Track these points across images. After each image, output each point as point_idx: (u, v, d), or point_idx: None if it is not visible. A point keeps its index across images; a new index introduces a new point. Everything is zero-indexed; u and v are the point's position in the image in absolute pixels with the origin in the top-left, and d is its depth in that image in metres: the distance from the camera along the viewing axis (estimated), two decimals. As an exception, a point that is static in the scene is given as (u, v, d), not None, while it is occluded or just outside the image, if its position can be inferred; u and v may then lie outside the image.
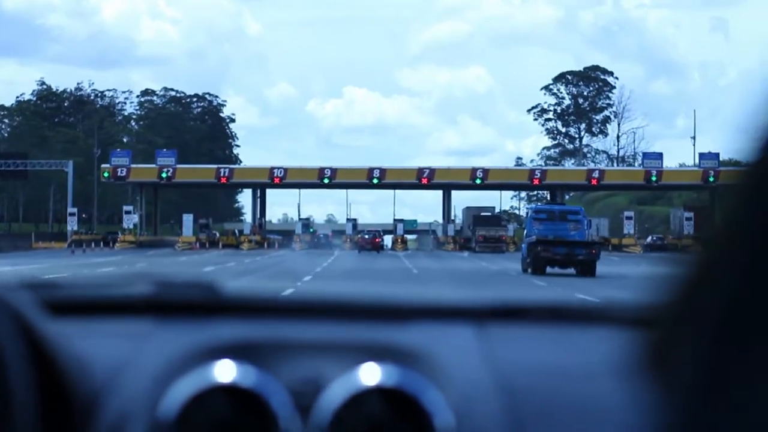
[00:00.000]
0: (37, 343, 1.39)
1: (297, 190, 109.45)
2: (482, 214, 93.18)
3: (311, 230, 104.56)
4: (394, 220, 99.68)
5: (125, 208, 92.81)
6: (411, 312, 1.93)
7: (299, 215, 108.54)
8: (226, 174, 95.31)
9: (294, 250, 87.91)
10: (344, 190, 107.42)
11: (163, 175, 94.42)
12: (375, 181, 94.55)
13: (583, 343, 1.89)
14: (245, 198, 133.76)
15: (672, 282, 0.94)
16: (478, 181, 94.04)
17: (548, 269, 40.30)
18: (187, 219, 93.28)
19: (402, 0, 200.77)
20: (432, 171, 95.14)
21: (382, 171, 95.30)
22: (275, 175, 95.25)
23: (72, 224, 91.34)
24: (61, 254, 66.44)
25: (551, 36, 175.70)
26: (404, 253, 79.55)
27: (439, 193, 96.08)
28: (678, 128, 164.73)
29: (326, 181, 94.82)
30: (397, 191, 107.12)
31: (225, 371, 1.69)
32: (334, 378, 1.70)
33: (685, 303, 0.92)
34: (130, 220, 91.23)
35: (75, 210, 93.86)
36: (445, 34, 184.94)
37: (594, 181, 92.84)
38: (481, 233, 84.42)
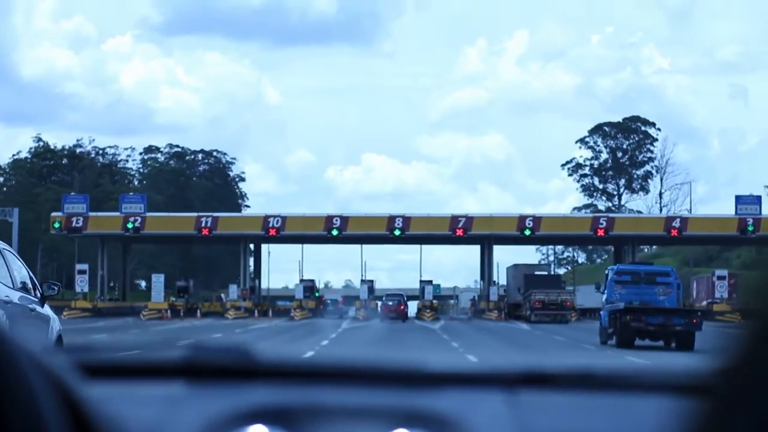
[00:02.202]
0: (74, 406, 1.42)
1: (300, 245, 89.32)
2: (537, 273, 73.37)
3: (316, 294, 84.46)
4: (421, 281, 79.69)
5: (78, 266, 73.16)
6: (442, 378, 1.94)
7: (300, 277, 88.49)
8: (209, 224, 75.69)
9: (291, 320, 68.30)
10: (358, 246, 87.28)
11: (129, 225, 75.12)
12: (397, 232, 74.82)
13: (620, 412, 1.86)
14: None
15: (729, 351, 0.90)
16: (527, 233, 74.35)
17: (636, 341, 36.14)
18: (157, 280, 74.13)
19: (420, 68, 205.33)
20: (469, 220, 75.75)
21: (406, 220, 75.84)
22: (270, 225, 75.55)
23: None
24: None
25: (569, 103, 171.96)
26: (437, 324, 59.48)
27: (470, 250, 75.98)
28: (698, 194, 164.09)
29: (335, 233, 75.20)
30: (423, 247, 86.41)
31: None
32: None
33: (743, 372, 0.87)
34: (84, 282, 71.77)
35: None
36: (464, 101, 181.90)
37: (674, 232, 73.33)
38: (539, 298, 64.97)
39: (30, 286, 16.23)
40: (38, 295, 16.37)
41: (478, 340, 38.58)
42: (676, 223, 74.26)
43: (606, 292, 39.84)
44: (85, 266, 73.40)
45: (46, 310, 16.59)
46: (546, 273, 77.71)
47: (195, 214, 78.82)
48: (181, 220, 77.93)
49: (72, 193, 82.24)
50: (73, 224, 75.54)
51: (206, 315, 79.95)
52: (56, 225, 76.07)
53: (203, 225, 76.16)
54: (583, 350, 35.02)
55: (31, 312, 15.73)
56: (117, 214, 77.02)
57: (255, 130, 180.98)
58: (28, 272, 16.53)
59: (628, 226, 76.03)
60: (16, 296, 15.34)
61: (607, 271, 42.79)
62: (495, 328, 52.87)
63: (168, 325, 59.67)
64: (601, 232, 74.97)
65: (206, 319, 72.23)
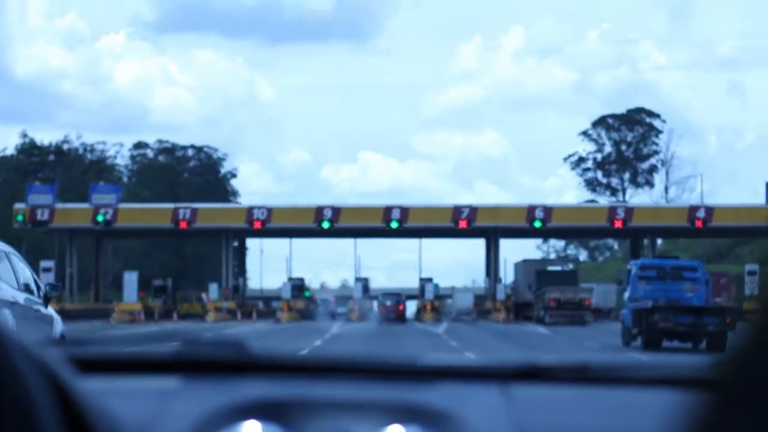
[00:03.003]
0: (68, 400, 1.43)
1: (287, 240, 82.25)
2: (550, 268, 66.63)
3: (306, 294, 77.46)
4: (421, 279, 72.67)
5: (43, 264, 66.04)
6: (436, 372, 1.96)
7: (288, 275, 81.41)
8: (187, 216, 68.77)
9: (277, 322, 61.66)
10: (351, 240, 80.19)
11: (100, 218, 68.33)
12: (394, 225, 68.01)
13: (616, 406, 1.88)
14: (253, 255, 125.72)
15: (734, 344, 0.90)
16: (537, 225, 67.47)
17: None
18: (130, 279, 67.43)
19: (415, 66, 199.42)
20: (473, 211, 68.95)
21: (404, 211, 69.04)
22: (255, 217, 68.67)
23: None
24: None
25: (566, 99, 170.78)
26: (440, 327, 52.60)
27: (472, 246, 69.16)
28: (696, 193, 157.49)
29: (326, 225, 68.34)
30: (423, 242, 79.30)
31: (252, 431, 1.73)
32: None
33: (746, 366, 0.87)
34: (49, 280, 64.35)
35: None
36: (460, 98, 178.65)
37: (699, 223, 66.62)
38: (554, 296, 58.17)
39: (33, 287, 16.76)
40: (41, 296, 16.93)
41: (496, 350, 31.69)
42: (701, 213, 67.46)
43: (629, 288, 37.66)
44: (50, 263, 66.34)
45: (50, 310, 17.27)
46: (560, 268, 71.13)
47: (172, 205, 71.97)
48: (156, 213, 71.12)
49: (36, 183, 75.14)
50: (38, 217, 68.91)
51: (185, 317, 73.48)
52: (19, 218, 69.50)
53: (181, 217, 69.34)
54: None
55: (35, 312, 16.41)
56: (86, 205, 70.15)
57: (250, 129, 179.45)
58: (31, 274, 17.06)
59: (648, 216, 69.18)
60: (21, 297, 15.94)
61: (629, 266, 40.29)
62: (509, 332, 45.97)
63: (137, 328, 52.96)
64: (618, 224, 68.17)
65: (183, 322, 65.45)
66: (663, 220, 68.61)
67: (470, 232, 71.71)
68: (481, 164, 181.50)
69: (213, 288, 69.67)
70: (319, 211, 69.30)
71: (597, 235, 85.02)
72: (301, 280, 75.90)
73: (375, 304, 72.91)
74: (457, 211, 69.06)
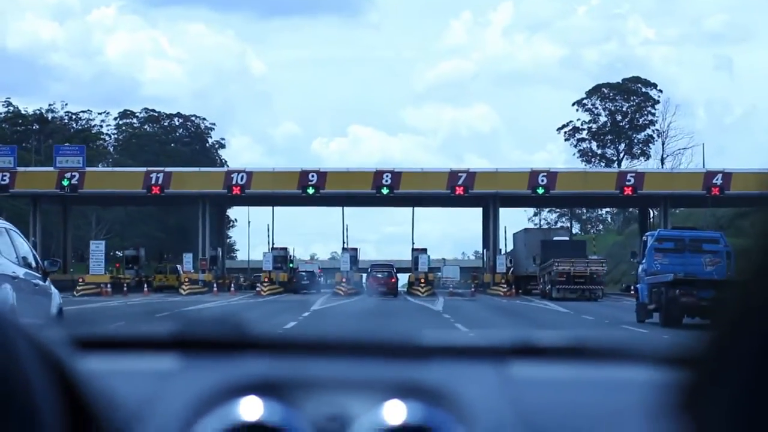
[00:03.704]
0: (65, 379, 1.44)
1: (269, 208, 76.49)
2: (557, 238, 61.26)
3: (290, 265, 71.91)
4: (414, 249, 67.15)
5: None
6: (434, 350, 1.97)
7: (269, 244, 75.51)
8: (160, 181, 63.25)
9: (257, 296, 56.38)
10: (338, 208, 74.41)
11: (65, 182, 62.76)
12: (385, 191, 62.64)
13: (611, 382, 1.90)
14: (241, 227, 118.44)
15: (712, 321, 0.93)
16: (540, 191, 62.18)
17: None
18: (97, 248, 62.22)
19: (405, 40, 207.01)
20: (471, 176, 63.57)
21: (395, 176, 63.57)
22: (234, 182, 63.21)
23: None
24: None
25: (555, 74, 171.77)
26: (436, 302, 47.24)
27: (465, 216, 63.96)
28: (694, 163, 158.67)
29: (310, 191, 62.88)
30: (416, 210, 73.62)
31: (251, 408, 1.75)
32: (359, 415, 1.74)
33: (723, 343, 0.90)
34: None
35: None
36: (449, 73, 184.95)
37: (715, 190, 61.47)
38: (562, 269, 52.82)
39: (32, 261, 17.24)
40: (40, 270, 17.47)
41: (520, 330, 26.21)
42: (717, 180, 62.23)
43: (644, 262, 35.93)
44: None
45: (48, 284, 17.71)
46: (568, 238, 65.64)
47: (144, 169, 66.57)
48: (126, 177, 65.61)
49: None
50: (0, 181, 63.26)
51: (160, 289, 68.12)
52: (-22, 182, 63.76)
53: (153, 182, 63.80)
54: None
55: (35, 286, 16.90)
56: (50, 169, 64.57)
57: (240, 102, 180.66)
58: (30, 249, 17.63)
59: (660, 183, 63.88)
60: (21, 272, 16.36)
61: (645, 237, 38.37)
62: (518, 309, 40.60)
63: (102, 302, 47.59)
64: (628, 191, 62.93)
65: (156, 295, 60.03)
66: (676, 187, 63.28)
67: (467, 200, 66.24)
68: (472, 138, 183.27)
69: (187, 258, 64.16)
70: (303, 175, 63.84)
71: (605, 203, 79.45)
72: (285, 250, 70.28)
73: (364, 277, 67.49)
74: (453, 176, 63.68)
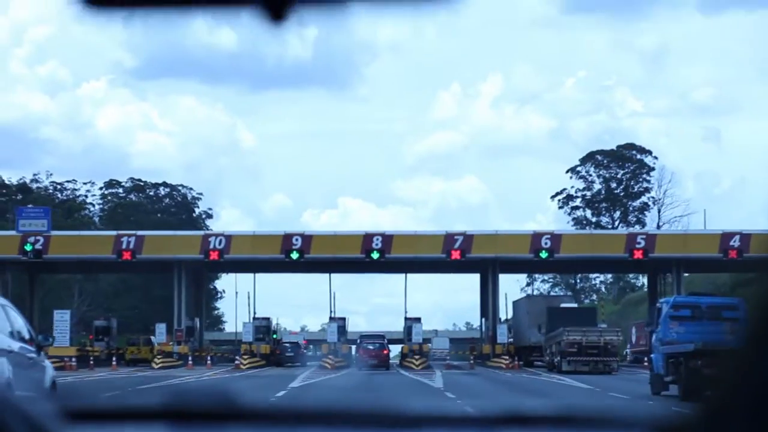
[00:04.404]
0: None
1: (251, 275, 71.36)
2: (564, 305, 56.39)
3: (274, 336, 66.75)
4: (407, 318, 62.09)
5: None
6: (422, 420, 1.96)
7: (251, 314, 70.15)
8: (131, 245, 58.31)
9: (236, 370, 51.37)
10: (325, 275, 69.29)
11: (28, 247, 57.86)
12: (375, 255, 57.86)
13: None
14: (229, 298, 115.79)
15: (705, 390, 0.94)
16: (543, 255, 57.44)
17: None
18: (61, 318, 57.20)
19: (394, 113, 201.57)
20: (468, 239, 58.79)
21: (386, 240, 58.76)
22: (212, 246, 58.28)
23: None
24: None
25: (544, 146, 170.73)
26: (433, 376, 42.23)
27: (458, 284, 59.33)
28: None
29: (294, 255, 57.99)
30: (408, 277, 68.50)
31: None
32: None
33: (715, 411, 0.90)
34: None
35: None
36: (439, 145, 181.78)
37: (733, 253, 56.83)
38: (573, 339, 47.78)
39: (27, 336, 17.49)
40: (34, 344, 17.69)
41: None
42: (735, 242, 57.50)
43: (659, 330, 34.48)
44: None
45: (42, 358, 18.05)
46: (576, 305, 60.71)
47: (114, 233, 61.65)
48: (95, 241, 60.64)
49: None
50: (-42, 247, 58.28)
51: (134, 362, 62.94)
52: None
53: (124, 246, 58.78)
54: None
55: (29, 360, 17.16)
56: (12, 233, 59.58)
57: (230, 175, 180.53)
58: (25, 323, 17.91)
59: (673, 245, 59.03)
60: (16, 346, 16.73)
61: (659, 305, 36.42)
62: (532, 386, 35.57)
63: (64, 377, 42.20)
64: (638, 254, 58.11)
65: (125, 369, 54.84)
66: (690, 250, 58.46)
67: (464, 265, 61.31)
68: (462, 209, 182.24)
69: (160, 329, 58.99)
70: (287, 239, 58.97)
71: (613, 267, 74.46)
72: (267, 320, 65.04)
73: (353, 349, 62.33)
74: (449, 239, 58.88)
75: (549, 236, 59.01)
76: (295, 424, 1.91)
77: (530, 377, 43.38)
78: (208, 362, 58.80)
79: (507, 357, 55.06)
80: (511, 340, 59.39)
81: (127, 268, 66.24)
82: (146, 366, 58.38)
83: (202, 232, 63.13)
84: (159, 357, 56.45)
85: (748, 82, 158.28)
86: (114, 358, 57.82)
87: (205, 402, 1.95)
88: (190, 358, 56.45)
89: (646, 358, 43.43)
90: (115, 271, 75.64)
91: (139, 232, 61.61)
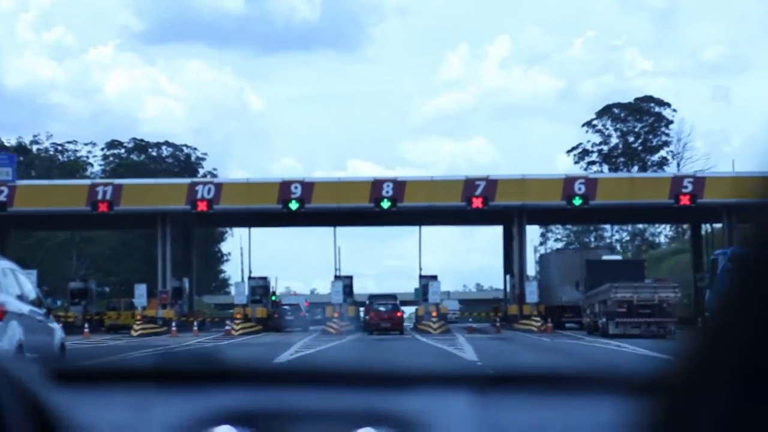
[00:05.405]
0: (41, 413, 1.46)
1: (245, 229, 63.96)
2: (606, 258, 49.33)
3: (273, 298, 59.58)
4: (422, 276, 54.81)
5: None
6: (409, 379, 1.99)
7: (242, 273, 62.73)
8: (108, 196, 51.13)
9: (226, 336, 44.51)
10: (330, 228, 61.93)
11: (-8, 198, 50.92)
12: (385, 204, 50.65)
13: (587, 411, 1.92)
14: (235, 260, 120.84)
15: (684, 346, 0.94)
16: (577, 202, 50.21)
17: None
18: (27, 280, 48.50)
19: (402, 75, 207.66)
20: (491, 184, 51.32)
21: (398, 186, 51.47)
22: (199, 196, 51.09)
23: None
24: None
25: (552, 107, 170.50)
26: (458, 341, 35.16)
27: (473, 238, 51.60)
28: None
29: (294, 206, 50.87)
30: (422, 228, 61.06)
31: None
32: None
33: (697, 367, 0.91)
34: None
35: None
36: (447, 106, 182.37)
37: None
38: (622, 296, 40.37)
39: (36, 300, 17.97)
40: (43, 307, 18.17)
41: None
42: (795, 186, 49.98)
43: (717, 286, 26.19)
44: None
45: (51, 321, 18.55)
46: (621, 258, 53.48)
47: (88, 182, 54.50)
48: (67, 191, 53.31)
49: None
50: None
51: (112, 329, 56.02)
52: None
53: (99, 197, 51.60)
54: None
55: (39, 323, 17.61)
56: (-29, 183, 52.42)
57: (239, 138, 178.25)
58: (34, 287, 18.42)
59: (724, 190, 51.57)
60: (26, 309, 17.16)
61: (713, 256, 35.30)
62: (591, 355, 28.18)
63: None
64: (685, 200, 50.81)
65: (98, 337, 47.80)
66: (742, 195, 51.04)
67: (486, 215, 54.05)
68: (471, 170, 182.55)
69: (140, 290, 51.79)
70: (284, 187, 51.79)
71: (656, 216, 66.76)
72: (264, 279, 57.74)
73: (361, 311, 55.18)
74: (469, 185, 51.64)
75: (583, 180, 51.82)
76: (282, 385, 1.90)
77: (574, 342, 36.21)
78: (195, 328, 51.62)
79: (538, 318, 47.93)
80: (546, 298, 52.56)
81: (105, 223, 58.94)
82: (126, 333, 51.46)
83: (188, 180, 55.93)
84: (139, 323, 49.38)
85: (759, 40, 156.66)
86: (87, 324, 50.68)
87: (192, 363, 1.97)
88: (174, 324, 49.29)
89: (700, 319, 36.63)
90: (91, 228, 68.52)
91: (117, 181, 54.42)
